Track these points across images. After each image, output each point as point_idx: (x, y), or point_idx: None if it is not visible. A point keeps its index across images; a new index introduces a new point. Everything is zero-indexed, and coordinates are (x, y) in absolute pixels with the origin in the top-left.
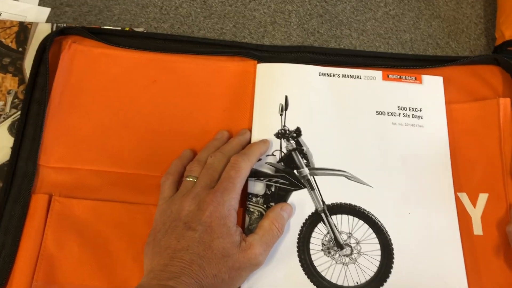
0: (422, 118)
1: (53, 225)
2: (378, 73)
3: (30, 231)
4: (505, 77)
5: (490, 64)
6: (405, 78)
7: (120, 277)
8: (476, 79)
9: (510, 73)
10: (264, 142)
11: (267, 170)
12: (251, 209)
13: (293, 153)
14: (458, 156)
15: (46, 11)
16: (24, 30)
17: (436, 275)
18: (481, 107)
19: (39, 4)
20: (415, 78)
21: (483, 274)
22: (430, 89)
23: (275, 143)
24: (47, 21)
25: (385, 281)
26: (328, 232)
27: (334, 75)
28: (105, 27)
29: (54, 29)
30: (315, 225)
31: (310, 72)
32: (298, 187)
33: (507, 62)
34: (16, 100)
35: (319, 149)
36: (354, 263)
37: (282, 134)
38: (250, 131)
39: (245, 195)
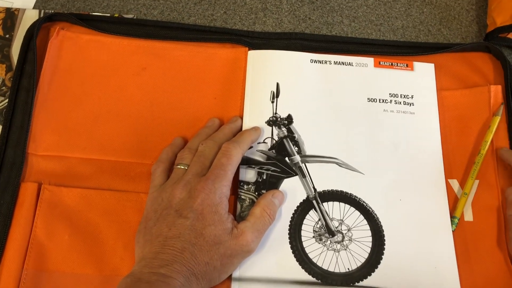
0: (413, 105)
1: (43, 214)
2: (369, 60)
3: (19, 220)
4: (496, 65)
5: (481, 51)
6: (397, 65)
7: (110, 265)
8: (467, 66)
9: (500, 61)
10: (256, 129)
11: (259, 157)
12: (243, 197)
13: (284, 140)
14: (449, 143)
15: None
16: (11, 16)
17: (426, 260)
18: (472, 94)
19: None
20: (407, 65)
21: (473, 260)
22: (422, 76)
23: (267, 130)
24: (34, 7)
25: (376, 267)
26: (319, 219)
27: (325, 62)
28: (94, 13)
29: (42, 15)
30: (307, 212)
31: (301, 59)
32: (289, 174)
33: (498, 50)
34: (3, 87)
35: (311, 136)
36: (345, 249)
37: (274, 122)
38: (241, 118)
39: (237, 183)
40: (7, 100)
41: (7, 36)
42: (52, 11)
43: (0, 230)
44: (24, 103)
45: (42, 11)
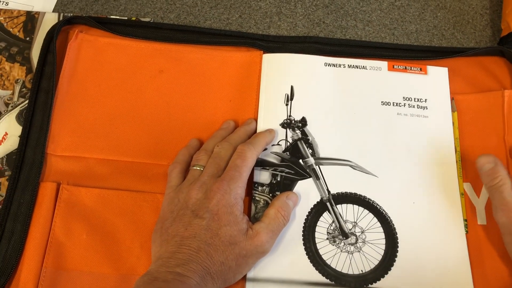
0: (427, 108)
1: (61, 213)
2: (383, 64)
3: (39, 219)
4: (510, 69)
5: (495, 55)
6: (411, 69)
7: (127, 264)
8: (481, 71)
9: None
10: (270, 131)
11: (273, 159)
12: (257, 198)
13: (298, 142)
14: (463, 147)
15: (53, 0)
16: (31, 19)
17: (440, 263)
18: (485, 98)
19: None
20: (420, 69)
21: (487, 263)
22: (435, 80)
23: (281, 132)
24: (54, 11)
25: (390, 269)
26: (333, 221)
27: (339, 65)
28: (111, 16)
29: (61, 18)
30: (321, 214)
31: (315, 62)
32: (303, 177)
33: None
34: (24, 89)
35: (325, 139)
36: (359, 251)
37: (288, 124)
38: (256, 120)
39: (251, 184)
40: (27, 101)
41: (28, 38)
42: (71, 14)
43: (20, 229)
44: (43, 104)
45: (62, 14)
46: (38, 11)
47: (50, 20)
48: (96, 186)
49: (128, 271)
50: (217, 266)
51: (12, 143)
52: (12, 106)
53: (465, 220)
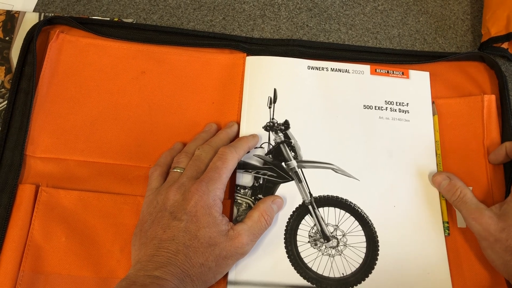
0: (408, 112)
1: (40, 216)
2: (366, 68)
3: (17, 221)
4: (490, 74)
5: (476, 60)
6: (393, 73)
7: (107, 267)
8: (462, 75)
9: (495, 70)
10: (254, 136)
11: (255, 162)
12: (239, 201)
13: (281, 145)
14: (443, 150)
15: (34, 0)
16: (11, 19)
17: (420, 266)
18: (466, 103)
19: None
20: (403, 73)
21: (465, 266)
22: (417, 84)
23: (264, 135)
24: (34, 10)
25: (370, 272)
26: (315, 224)
27: (322, 68)
28: (93, 17)
29: (42, 18)
30: (302, 217)
31: (298, 65)
32: (286, 179)
33: (492, 60)
34: (2, 89)
35: (307, 142)
36: (340, 254)
37: (271, 127)
38: (239, 123)
39: (233, 187)
40: (6, 102)
41: (7, 38)
42: (52, 14)
43: None
44: (23, 105)
45: (42, 14)
46: (18, 10)
47: (30, 19)
48: (76, 189)
49: (108, 275)
50: (197, 268)
51: None
52: None
53: (446, 223)
